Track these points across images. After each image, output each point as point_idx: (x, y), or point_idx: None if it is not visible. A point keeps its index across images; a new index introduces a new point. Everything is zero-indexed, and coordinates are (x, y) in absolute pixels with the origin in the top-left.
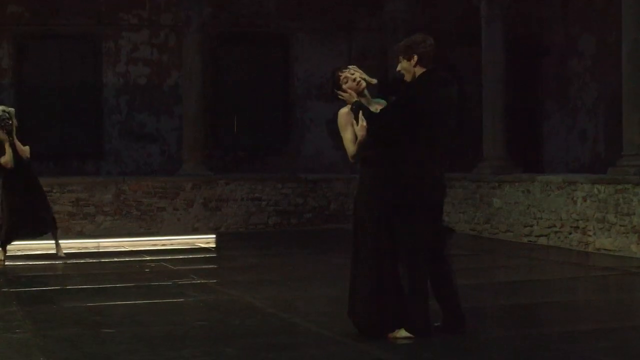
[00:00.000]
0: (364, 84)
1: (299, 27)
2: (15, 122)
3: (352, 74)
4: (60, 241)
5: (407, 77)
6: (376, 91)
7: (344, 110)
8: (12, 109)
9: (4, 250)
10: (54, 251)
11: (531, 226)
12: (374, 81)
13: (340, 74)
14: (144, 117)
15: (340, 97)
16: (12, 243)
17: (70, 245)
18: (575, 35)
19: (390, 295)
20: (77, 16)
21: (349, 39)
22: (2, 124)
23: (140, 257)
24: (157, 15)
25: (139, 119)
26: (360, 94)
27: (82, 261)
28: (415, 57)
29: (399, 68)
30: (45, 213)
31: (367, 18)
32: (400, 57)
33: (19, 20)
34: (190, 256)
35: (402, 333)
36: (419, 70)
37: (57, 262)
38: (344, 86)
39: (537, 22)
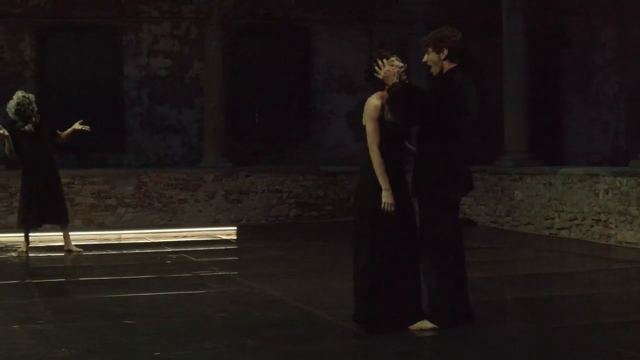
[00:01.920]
0: (404, 76)
1: (319, 18)
2: (35, 107)
3: (400, 63)
4: (81, 233)
5: (434, 70)
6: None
7: (375, 102)
8: (31, 95)
9: (27, 241)
10: (73, 243)
11: (552, 219)
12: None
13: (386, 59)
14: (165, 109)
15: (377, 73)
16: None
17: (91, 237)
18: (597, 27)
19: (394, 289)
20: (98, 8)
21: (369, 31)
22: (23, 109)
23: (161, 248)
24: (178, 7)
25: (160, 111)
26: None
27: (103, 253)
28: (446, 51)
29: (425, 59)
30: (57, 206)
31: (387, 10)
32: (430, 49)
33: (41, 13)
34: (212, 248)
35: (426, 324)
36: (447, 65)
37: (75, 255)
38: (385, 67)
39: (558, 14)
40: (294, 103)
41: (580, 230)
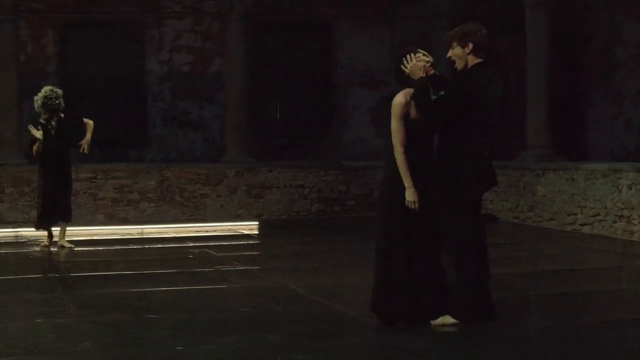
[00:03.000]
0: (433, 70)
1: (341, 14)
2: (62, 102)
3: (426, 57)
4: (104, 227)
5: (459, 65)
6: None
7: (401, 100)
8: (60, 90)
9: (50, 236)
10: (95, 237)
11: (575, 214)
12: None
13: (412, 53)
14: (187, 104)
15: (404, 68)
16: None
17: (114, 231)
18: (620, 22)
19: (414, 284)
20: (120, 4)
21: (392, 27)
22: (49, 102)
23: (183, 243)
24: (200, 2)
25: (182, 106)
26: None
27: (126, 247)
28: (471, 46)
29: (450, 54)
30: (66, 204)
31: (410, 5)
32: (454, 44)
33: (63, 8)
34: (233, 243)
35: (448, 320)
36: (472, 60)
37: (67, 250)
38: (411, 62)
39: (580, 8)
40: (315, 98)
41: (603, 226)
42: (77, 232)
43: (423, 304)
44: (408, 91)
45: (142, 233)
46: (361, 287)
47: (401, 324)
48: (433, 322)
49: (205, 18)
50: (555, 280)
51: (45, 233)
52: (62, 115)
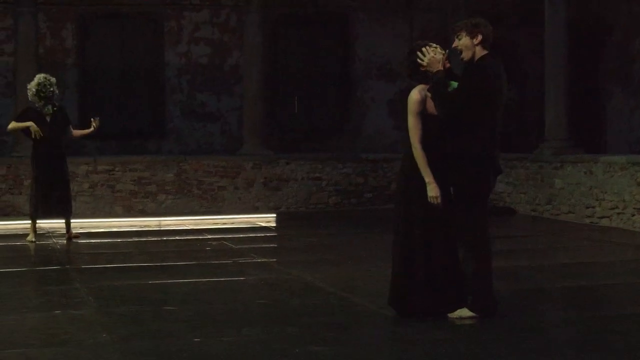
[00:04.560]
0: (448, 64)
1: (359, 6)
2: (56, 90)
3: (442, 50)
4: (122, 219)
5: (466, 55)
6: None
7: (417, 97)
8: (53, 79)
9: (34, 229)
10: (113, 229)
11: (593, 207)
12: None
13: (428, 46)
14: (205, 96)
15: (420, 62)
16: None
17: (132, 223)
18: (639, 14)
19: (431, 277)
20: None
21: (410, 19)
22: (43, 90)
23: (201, 235)
24: None
25: (200, 98)
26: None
27: (144, 239)
28: (480, 37)
29: (456, 44)
30: (63, 199)
31: None
32: (463, 34)
33: (82, 0)
34: (251, 235)
35: (465, 312)
36: (480, 51)
37: (75, 241)
38: (429, 55)
39: (599, 1)
40: (333, 91)
41: (622, 219)
42: (95, 224)
43: (441, 296)
44: (423, 87)
45: (159, 225)
46: (378, 280)
47: (418, 317)
48: (450, 315)
49: (223, 10)
50: (573, 273)
51: (30, 226)
52: (57, 104)
